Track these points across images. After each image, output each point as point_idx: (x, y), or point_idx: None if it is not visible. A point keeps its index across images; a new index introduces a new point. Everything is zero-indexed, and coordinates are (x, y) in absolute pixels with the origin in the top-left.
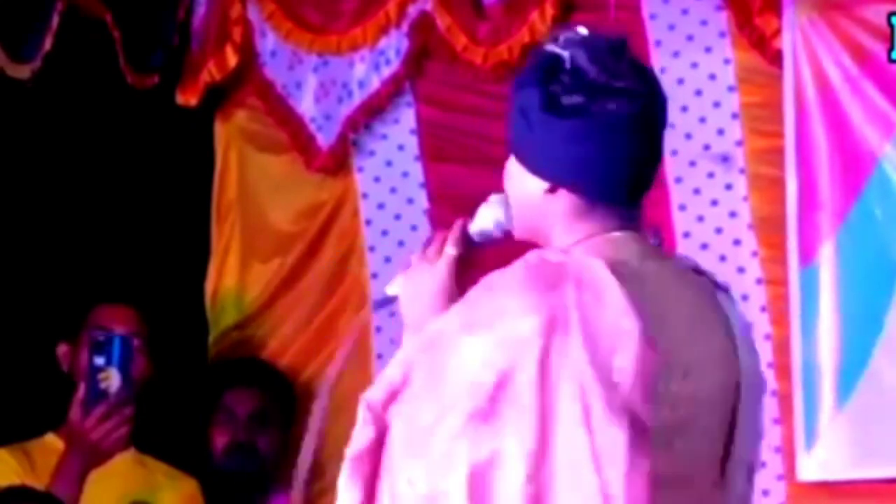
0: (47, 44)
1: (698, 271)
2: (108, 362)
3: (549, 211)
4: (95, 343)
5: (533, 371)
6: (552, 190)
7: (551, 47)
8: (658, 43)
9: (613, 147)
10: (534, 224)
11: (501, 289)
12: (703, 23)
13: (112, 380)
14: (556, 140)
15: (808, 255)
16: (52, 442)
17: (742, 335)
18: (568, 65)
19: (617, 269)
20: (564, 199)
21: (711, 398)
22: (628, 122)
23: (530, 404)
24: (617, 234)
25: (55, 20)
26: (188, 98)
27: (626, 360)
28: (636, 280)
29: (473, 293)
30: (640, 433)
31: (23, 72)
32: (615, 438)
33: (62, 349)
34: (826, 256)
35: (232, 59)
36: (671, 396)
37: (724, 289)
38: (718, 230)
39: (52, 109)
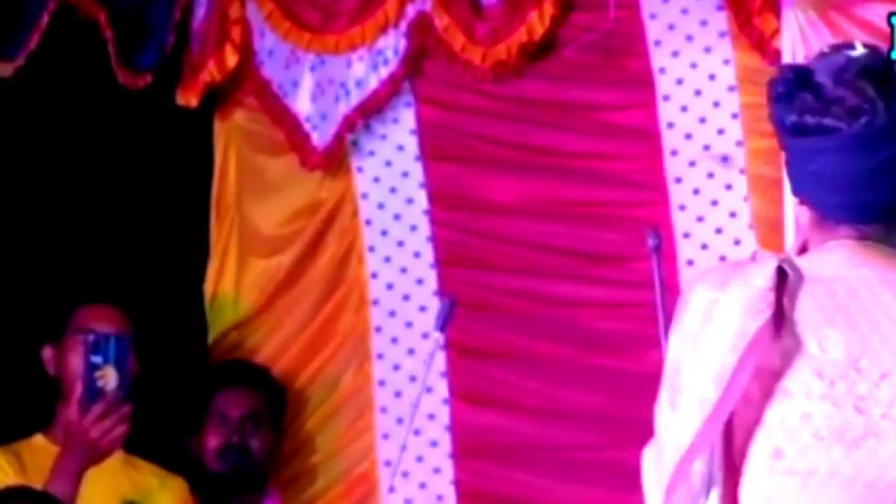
0: (33, 42)
1: None
2: (106, 360)
3: (801, 220)
4: (92, 342)
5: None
6: (800, 202)
7: (800, 63)
8: (658, 43)
9: (832, 166)
10: (804, 232)
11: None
12: (703, 23)
13: (109, 378)
14: (790, 156)
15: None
16: (41, 443)
17: None
18: (803, 82)
19: (803, 271)
20: (807, 211)
21: None
22: (845, 142)
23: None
24: (837, 241)
25: (45, 19)
26: (188, 98)
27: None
28: (827, 284)
29: None
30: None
31: (4, 70)
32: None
33: (48, 352)
34: None
35: (231, 59)
36: (856, 398)
37: None
38: (718, 230)
39: (42, 109)
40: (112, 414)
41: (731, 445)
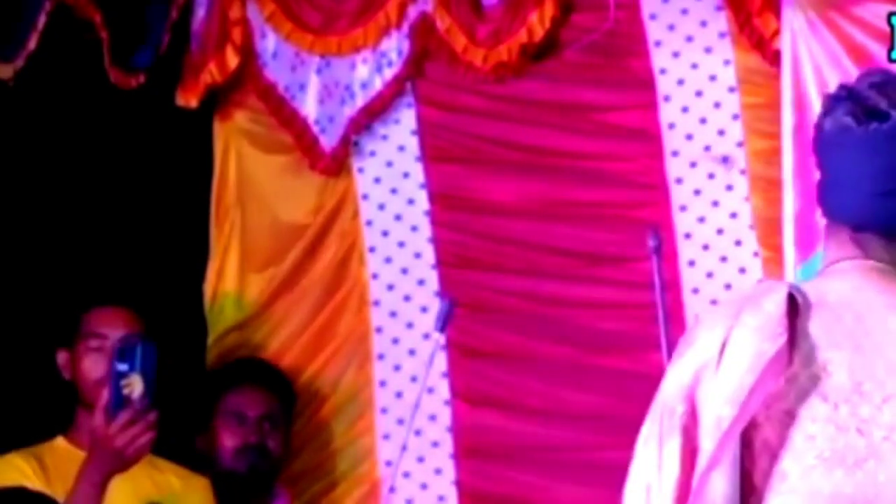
0: (32, 44)
1: None
2: (132, 368)
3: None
4: (118, 349)
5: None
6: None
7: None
8: (658, 43)
9: (833, 164)
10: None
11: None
12: (703, 23)
13: (135, 386)
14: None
15: (806, 255)
16: (63, 445)
17: None
18: (849, 93)
19: (811, 298)
20: (826, 222)
21: None
22: (854, 140)
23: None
24: (844, 264)
25: (42, 20)
26: (189, 99)
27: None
28: (834, 309)
29: None
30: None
31: (5, 72)
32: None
33: (62, 357)
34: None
35: (232, 60)
36: (859, 420)
37: None
38: (719, 231)
39: (39, 110)
40: (138, 422)
41: (751, 467)
